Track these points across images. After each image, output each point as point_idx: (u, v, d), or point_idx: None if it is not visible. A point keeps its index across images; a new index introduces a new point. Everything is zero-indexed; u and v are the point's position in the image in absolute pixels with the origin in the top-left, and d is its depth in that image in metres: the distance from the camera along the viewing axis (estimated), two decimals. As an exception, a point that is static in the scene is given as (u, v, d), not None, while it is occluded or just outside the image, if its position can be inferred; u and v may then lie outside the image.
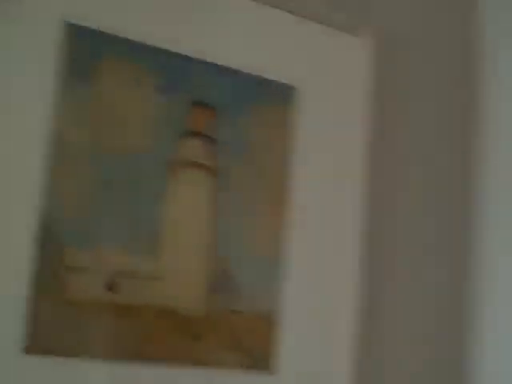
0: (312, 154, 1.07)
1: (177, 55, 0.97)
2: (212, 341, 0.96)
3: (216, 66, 1.00)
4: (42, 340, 0.85)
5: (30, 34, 0.88)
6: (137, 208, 0.93)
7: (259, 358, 0.99)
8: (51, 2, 0.89)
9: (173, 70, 0.97)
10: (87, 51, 0.92)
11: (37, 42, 0.88)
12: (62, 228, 0.87)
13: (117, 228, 0.91)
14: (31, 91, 0.87)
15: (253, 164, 1.02)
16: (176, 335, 0.94)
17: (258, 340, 0.99)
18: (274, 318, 1.00)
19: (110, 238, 0.90)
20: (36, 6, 0.89)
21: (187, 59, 0.98)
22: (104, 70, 0.92)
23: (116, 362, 0.89)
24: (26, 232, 0.85)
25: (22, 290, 0.84)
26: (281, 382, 1.00)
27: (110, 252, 0.90)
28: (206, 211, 0.97)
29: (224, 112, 1.00)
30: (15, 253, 0.84)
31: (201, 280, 0.96)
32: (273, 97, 1.04)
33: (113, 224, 0.91)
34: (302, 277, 1.04)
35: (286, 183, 1.04)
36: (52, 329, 0.86)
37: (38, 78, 0.88)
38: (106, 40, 0.93)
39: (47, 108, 0.88)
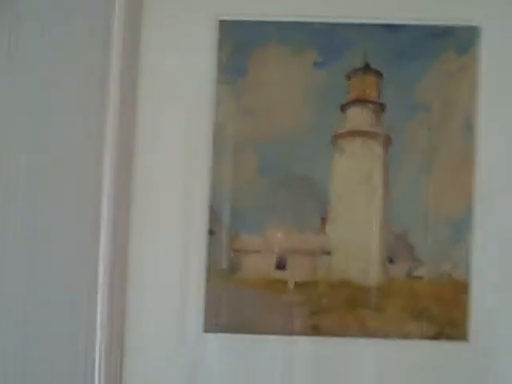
0: (499, 105, 0.95)
1: (330, 25, 0.94)
2: (393, 311, 0.94)
3: (375, 26, 0.94)
4: (219, 319, 0.93)
5: (188, 34, 0.94)
6: (304, 185, 0.94)
7: (447, 325, 0.95)
8: (205, 4, 0.94)
9: (329, 42, 0.94)
10: (242, 42, 0.94)
11: (195, 40, 0.94)
12: (230, 216, 0.94)
13: (284, 209, 0.94)
14: (194, 88, 0.94)
15: (428, 125, 0.95)
16: (353, 307, 0.94)
17: (444, 307, 0.95)
18: (462, 282, 0.94)
19: (277, 220, 0.94)
20: (192, 8, 0.94)
21: (342, 26, 0.94)
22: (259, 58, 0.95)
23: (292, 336, 0.93)
24: (200, 223, 0.93)
25: (200, 276, 0.93)
26: (473, 351, 0.94)
27: (279, 232, 0.93)
28: (377, 180, 0.95)
29: (390, 73, 0.94)
30: (192, 244, 0.93)
31: (375, 250, 0.94)
32: (446, 46, 0.95)
33: (280, 205, 0.94)
34: (491, 236, 0.95)
35: (469, 140, 0.95)
36: (227, 308, 0.93)
37: (199, 74, 0.94)
38: (258, 28, 0.94)
39: (210, 102, 0.94)
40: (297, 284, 0.94)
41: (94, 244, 0.92)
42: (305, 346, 0.94)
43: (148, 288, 0.94)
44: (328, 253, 0.94)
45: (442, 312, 0.94)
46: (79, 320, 0.93)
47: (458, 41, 0.95)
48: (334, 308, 0.94)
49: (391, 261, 0.95)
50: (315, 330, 0.94)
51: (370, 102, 0.95)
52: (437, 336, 0.94)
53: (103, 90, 0.93)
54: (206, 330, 0.93)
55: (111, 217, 0.92)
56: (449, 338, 0.94)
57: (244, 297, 0.93)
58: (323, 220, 0.94)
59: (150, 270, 0.94)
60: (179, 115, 0.94)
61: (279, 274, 0.94)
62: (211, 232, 0.93)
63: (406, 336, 0.94)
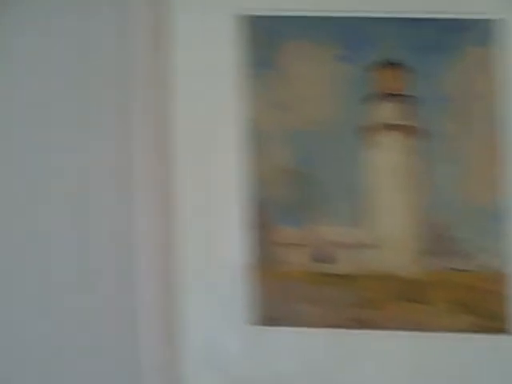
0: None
1: (352, 19, 0.95)
2: (438, 304, 0.94)
3: (397, 19, 0.95)
4: (263, 311, 0.94)
5: (211, 31, 0.97)
6: (340, 180, 0.94)
7: (492, 318, 0.93)
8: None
9: (351, 36, 0.95)
10: (265, 38, 0.96)
11: (218, 37, 0.97)
12: (271, 210, 0.95)
13: (323, 202, 0.95)
14: (221, 86, 0.96)
15: (457, 116, 0.95)
16: (398, 301, 0.93)
17: (488, 299, 0.93)
18: (505, 274, 0.93)
19: (318, 214, 0.95)
20: (212, 4, 0.96)
21: (364, 20, 0.95)
22: (282, 53, 0.97)
23: (337, 329, 0.93)
24: (242, 218, 0.96)
25: (242, 269, 0.95)
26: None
27: (320, 226, 0.94)
28: (410, 172, 0.94)
29: (416, 67, 0.95)
30: (234, 237, 0.96)
31: (417, 243, 0.93)
32: (469, 38, 0.96)
33: (318, 199, 0.95)
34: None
35: (497, 130, 0.95)
36: (272, 301, 0.95)
37: (225, 71, 0.96)
38: (280, 23, 0.96)
39: (239, 99, 0.95)
40: (341, 277, 0.92)
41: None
42: (350, 339, 0.93)
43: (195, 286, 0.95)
44: (371, 246, 0.93)
45: (487, 306, 0.93)
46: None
47: (480, 33, 0.96)
48: (378, 301, 0.92)
49: (433, 253, 0.93)
50: (361, 324, 0.92)
51: (398, 95, 0.96)
52: (478, 329, 0.92)
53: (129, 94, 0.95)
54: (250, 323, 0.94)
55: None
56: (489, 330, 0.92)
57: (287, 289, 0.94)
58: (364, 213, 0.94)
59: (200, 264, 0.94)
60: (210, 111, 0.96)
61: (322, 268, 0.92)
62: (253, 225, 0.92)
63: (448, 329, 0.93)
